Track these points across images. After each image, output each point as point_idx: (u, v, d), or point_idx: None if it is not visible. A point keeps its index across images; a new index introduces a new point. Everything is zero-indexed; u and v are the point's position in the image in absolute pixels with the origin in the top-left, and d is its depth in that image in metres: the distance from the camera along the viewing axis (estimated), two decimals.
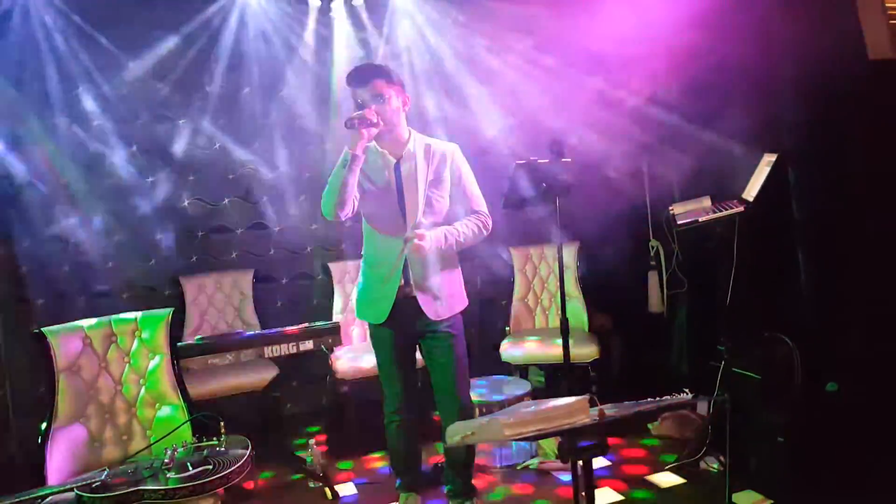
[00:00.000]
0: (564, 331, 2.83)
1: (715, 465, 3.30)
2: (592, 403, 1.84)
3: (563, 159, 2.65)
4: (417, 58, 4.51)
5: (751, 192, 2.98)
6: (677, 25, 3.46)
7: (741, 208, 2.94)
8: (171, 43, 4.12)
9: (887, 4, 3.13)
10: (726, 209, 2.95)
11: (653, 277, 4.42)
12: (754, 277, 3.20)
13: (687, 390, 2.01)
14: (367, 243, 2.76)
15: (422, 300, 2.63)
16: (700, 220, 2.93)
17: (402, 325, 2.68)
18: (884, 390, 2.93)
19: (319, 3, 4.17)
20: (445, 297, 2.67)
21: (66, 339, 2.57)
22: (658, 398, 1.97)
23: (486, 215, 2.73)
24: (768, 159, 2.94)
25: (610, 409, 1.87)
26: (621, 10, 3.77)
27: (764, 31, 3.29)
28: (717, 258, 3.23)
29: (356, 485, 3.45)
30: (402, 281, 2.62)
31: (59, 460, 2.41)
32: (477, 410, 3.41)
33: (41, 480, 2.32)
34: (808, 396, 3.03)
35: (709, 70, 3.49)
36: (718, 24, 3.39)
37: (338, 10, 4.23)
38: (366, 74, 2.55)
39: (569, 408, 1.74)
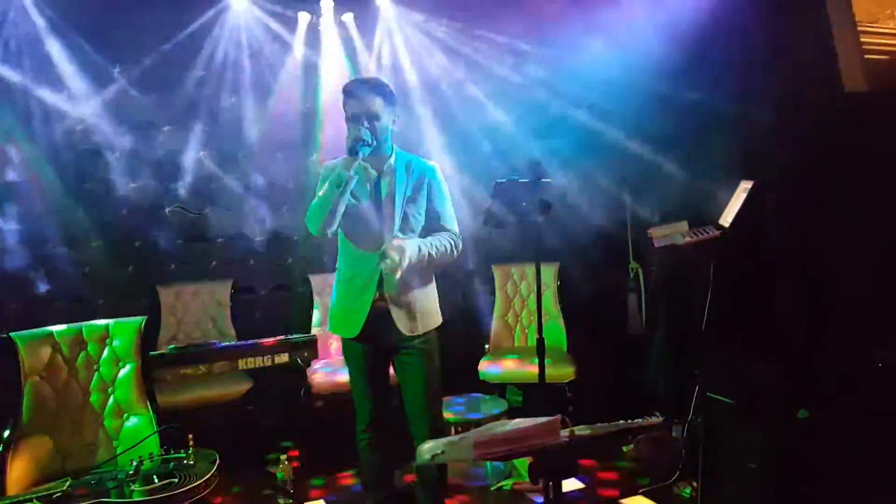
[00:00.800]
0: (540, 351, 2.83)
1: (687, 490, 3.30)
2: (564, 424, 1.83)
3: (544, 180, 2.67)
4: (405, 76, 4.54)
5: (727, 217, 3.02)
6: (661, 57, 3.54)
7: (717, 233, 2.98)
8: (157, 50, 4.10)
9: (861, 40, 3.22)
10: (703, 234, 2.99)
11: (632, 300, 4.44)
12: (730, 302, 3.23)
13: (658, 413, 2.01)
14: (342, 257, 2.75)
15: (395, 315, 2.62)
16: (678, 243, 2.96)
17: (374, 340, 2.66)
18: (856, 416, 2.97)
19: (309, 17, 4.18)
20: (419, 313, 2.66)
21: (35, 345, 2.53)
22: (629, 420, 1.98)
23: (458, 236, 2.74)
24: (745, 186, 2.99)
25: (582, 430, 1.86)
26: (606, 48, 3.84)
27: (744, 63, 3.37)
28: (694, 282, 3.26)
29: (327, 502, 3.40)
30: (377, 294, 2.60)
31: (21, 470, 2.36)
32: (453, 429, 3.40)
33: (0, 491, 2.27)
34: (782, 421, 3.05)
35: (690, 99, 3.56)
36: (700, 56, 3.48)
37: (327, 25, 4.24)
38: (361, 89, 2.55)
39: (540, 428, 1.73)
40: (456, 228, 2.74)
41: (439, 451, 1.81)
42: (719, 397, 3.16)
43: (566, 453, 1.77)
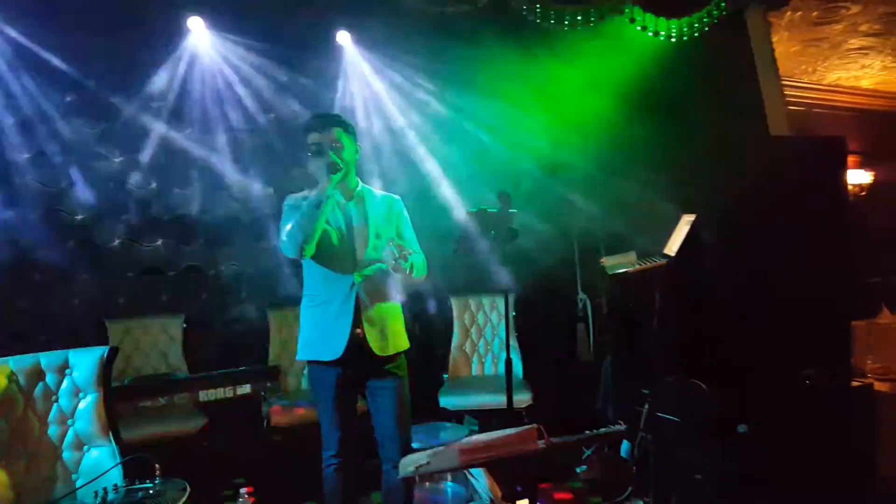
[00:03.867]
0: (508, 371, 2.94)
1: None
2: (539, 434, 1.96)
3: (510, 210, 2.83)
4: (366, 110, 4.66)
5: (672, 247, 3.26)
6: (609, 104, 3.83)
7: (664, 262, 3.20)
8: (114, 80, 4.09)
9: (785, 92, 3.60)
10: (652, 262, 3.21)
11: (581, 329, 4.64)
12: (675, 326, 3.45)
13: (621, 422, 2.16)
14: (312, 283, 2.81)
15: (369, 335, 2.69)
16: (629, 271, 3.16)
17: (350, 363, 2.71)
18: (787, 429, 3.21)
19: (271, 51, 4.27)
20: (391, 334, 2.75)
21: None
22: (594, 430, 2.12)
23: (424, 259, 2.86)
24: (687, 219, 3.24)
25: (555, 440, 1.99)
26: (562, 99, 4.13)
27: (683, 110, 3.68)
28: (642, 308, 3.47)
29: None
30: (354, 317, 2.67)
31: None
32: None
33: None
34: (723, 437, 3.25)
35: (636, 142, 3.85)
36: (644, 104, 3.78)
37: (290, 60, 4.35)
38: (326, 122, 2.71)
39: (520, 435, 1.84)
40: (421, 253, 2.87)
41: (424, 462, 1.89)
42: (667, 416, 3.35)
43: (543, 459, 1.89)
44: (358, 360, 2.70)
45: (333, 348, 2.68)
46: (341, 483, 2.83)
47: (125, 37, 3.94)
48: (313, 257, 2.73)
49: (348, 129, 2.75)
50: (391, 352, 2.74)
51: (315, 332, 2.76)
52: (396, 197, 2.92)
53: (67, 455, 2.56)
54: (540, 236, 4.41)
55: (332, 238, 2.71)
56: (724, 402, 3.26)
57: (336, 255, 2.72)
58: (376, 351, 2.70)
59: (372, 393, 2.80)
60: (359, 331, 2.68)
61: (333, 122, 2.72)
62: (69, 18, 3.75)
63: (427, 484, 3.71)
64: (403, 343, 2.82)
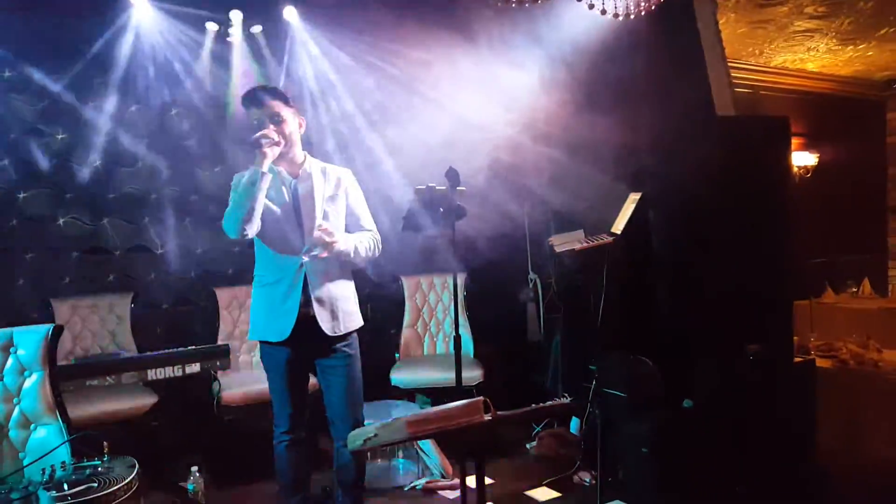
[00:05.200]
0: (457, 348, 2.98)
1: (587, 479, 3.56)
2: (486, 407, 2.00)
3: (459, 187, 2.85)
4: (315, 88, 4.60)
5: (618, 225, 3.33)
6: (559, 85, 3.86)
7: (610, 240, 3.28)
8: (56, 55, 3.95)
9: (732, 74, 3.68)
10: (598, 240, 3.28)
11: (531, 308, 4.72)
12: (621, 303, 3.54)
13: (566, 395, 2.22)
14: (262, 263, 2.78)
15: (319, 316, 2.67)
16: (576, 248, 3.23)
17: (300, 343, 2.70)
18: (730, 404, 3.34)
19: (217, 28, 4.17)
20: (342, 314, 2.74)
21: None
22: (542, 403, 2.18)
23: (377, 234, 2.86)
24: (633, 197, 3.32)
25: (501, 413, 2.04)
26: (510, 77, 4.14)
27: (630, 90, 3.74)
28: (589, 286, 3.55)
29: None
30: (302, 297, 2.67)
31: None
32: None
33: None
34: (668, 411, 3.37)
35: (582, 121, 3.89)
36: (592, 82, 3.83)
37: (235, 37, 4.25)
38: (262, 95, 2.63)
39: (466, 408, 1.89)
40: (375, 229, 2.87)
41: (372, 435, 1.92)
42: (614, 391, 3.46)
43: (489, 431, 1.94)
44: (308, 339, 2.69)
45: (281, 329, 2.67)
46: (293, 460, 2.85)
47: (65, 10, 3.81)
48: (260, 237, 2.70)
49: (287, 101, 2.67)
50: (342, 332, 2.74)
51: (263, 313, 2.74)
52: (347, 170, 2.87)
53: (14, 434, 2.52)
54: (490, 215, 4.45)
55: (277, 218, 2.67)
56: (670, 378, 3.38)
57: (282, 234, 2.68)
58: (327, 331, 2.69)
59: (323, 371, 2.80)
60: (308, 311, 2.66)
61: (272, 94, 2.64)
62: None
63: (378, 461, 3.77)
64: (355, 322, 2.82)
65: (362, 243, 2.75)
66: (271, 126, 2.58)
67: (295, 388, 2.80)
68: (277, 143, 2.56)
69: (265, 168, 2.52)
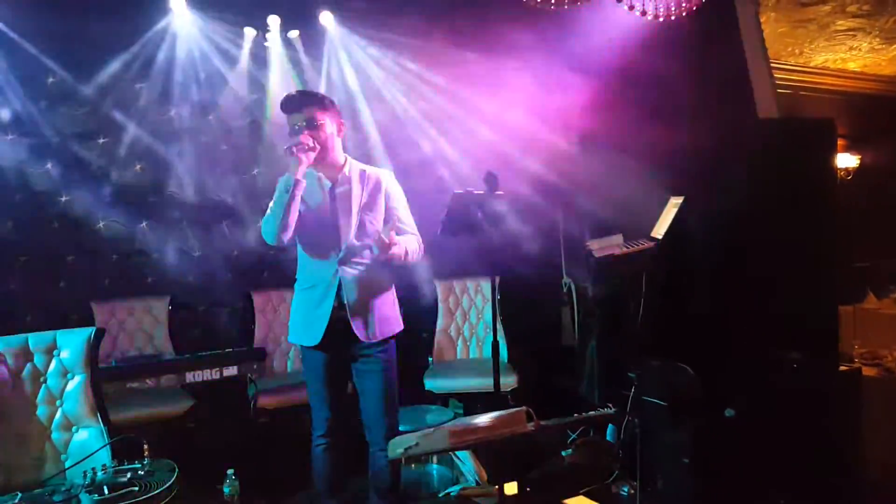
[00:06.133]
0: (495, 354, 2.95)
1: (626, 489, 3.49)
2: (529, 417, 1.97)
3: (497, 192, 2.82)
4: (353, 90, 4.60)
5: (659, 230, 3.26)
6: (597, 86, 3.81)
7: (651, 245, 3.21)
8: (97, 61, 4.04)
9: (775, 74, 3.59)
10: (638, 245, 3.22)
11: (565, 313, 4.66)
12: (660, 309, 3.47)
13: (610, 405, 2.18)
14: (301, 267, 2.79)
15: (354, 323, 2.66)
16: (616, 253, 3.17)
17: (334, 348, 2.70)
18: (773, 413, 3.25)
19: (255, 33, 4.21)
20: (377, 321, 2.71)
21: None
22: (583, 414, 2.14)
23: (419, 236, 2.83)
24: (675, 201, 3.25)
25: (544, 423, 2.00)
26: (550, 83, 4.09)
27: (670, 93, 3.67)
28: (628, 291, 3.48)
29: None
30: (336, 303, 2.65)
31: None
32: None
33: None
34: (709, 420, 3.29)
35: (621, 125, 3.83)
36: (631, 85, 3.77)
37: (273, 41, 4.28)
38: (300, 101, 2.63)
39: (509, 418, 1.86)
40: (416, 231, 2.84)
41: (413, 444, 1.90)
42: (653, 399, 3.39)
43: (533, 441, 1.91)
44: (342, 344, 2.69)
45: (313, 334, 2.67)
46: (330, 463, 2.84)
47: (103, 18, 3.88)
48: (299, 242, 2.70)
49: (325, 105, 2.65)
50: (378, 338, 2.72)
51: (300, 317, 2.75)
52: (387, 170, 2.84)
53: (56, 436, 2.56)
54: (526, 219, 4.41)
55: (313, 223, 2.66)
56: (711, 386, 3.30)
57: (318, 240, 2.67)
58: (361, 337, 2.68)
59: (359, 376, 2.79)
60: (342, 316, 2.65)
61: (309, 99, 2.64)
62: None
63: (413, 466, 3.75)
64: (393, 328, 2.80)
65: (411, 245, 2.73)
66: (307, 131, 2.57)
67: (331, 391, 2.79)
68: (313, 149, 2.55)
69: (300, 175, 2.52)
